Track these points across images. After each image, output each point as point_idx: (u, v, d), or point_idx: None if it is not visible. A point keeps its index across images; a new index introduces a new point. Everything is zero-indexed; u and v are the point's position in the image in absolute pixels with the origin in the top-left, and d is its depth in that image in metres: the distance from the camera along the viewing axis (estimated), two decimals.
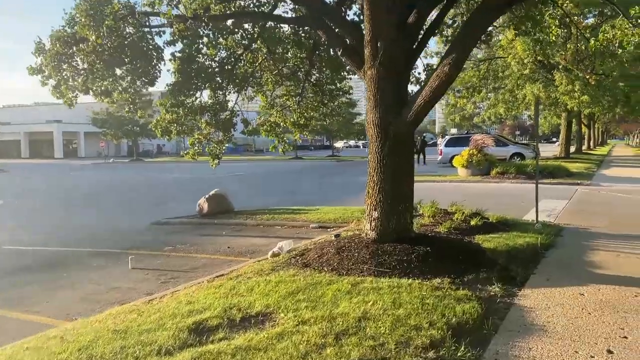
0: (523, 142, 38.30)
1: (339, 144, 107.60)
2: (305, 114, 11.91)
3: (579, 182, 17.30)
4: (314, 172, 28.94)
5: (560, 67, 22.75)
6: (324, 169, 30.60)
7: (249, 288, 5.06)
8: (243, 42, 9.46)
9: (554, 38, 9.06)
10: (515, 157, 26.32)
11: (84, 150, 67.68)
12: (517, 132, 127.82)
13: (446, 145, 27.38)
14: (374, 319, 4.09)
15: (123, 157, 61.09)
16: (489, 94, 27.13)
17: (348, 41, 6.86)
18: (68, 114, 60.28)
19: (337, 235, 7.71)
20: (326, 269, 5.73)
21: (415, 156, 32.63)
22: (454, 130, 69.00)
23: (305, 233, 9.38)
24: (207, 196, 11.71)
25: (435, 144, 57.93)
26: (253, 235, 9.49)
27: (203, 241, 9.07)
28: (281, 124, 11.90)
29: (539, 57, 23.23)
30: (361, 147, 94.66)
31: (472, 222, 8.11)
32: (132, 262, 7.16)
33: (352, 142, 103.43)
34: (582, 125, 49.78)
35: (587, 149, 51.28)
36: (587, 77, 21.01)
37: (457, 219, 8.36)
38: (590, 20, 24.00)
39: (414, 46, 6.58)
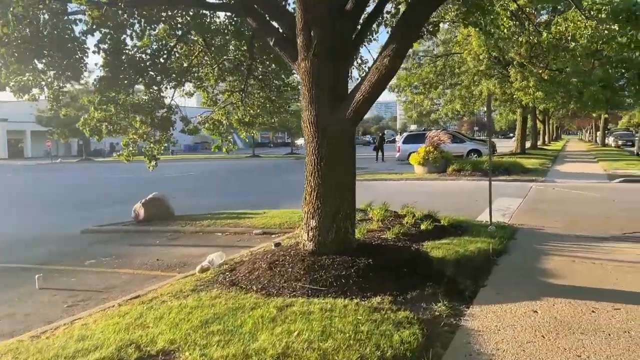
0: (480, 138, 38.57)
1: (299, 141, 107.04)
2: (251, 111, 11.18)
3: (533, 178, 17.23)
4: (269, 171, 28.20)
5: (514, 63, 22.78)
6: (280, 168, 29.89)
7: (158, 316, 4.31)
8: (175, 32, 8.62)
9: (505, 31, 8.65)
10: (473, 154, 26.33)
11: (31, 150, 64.37)
12: (476, 129, 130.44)
13: (404, 142, 27.10)
14: (295, 356, 3.44)
15: (73, 157, 58.42)
16: (446, 90, 27.05)
17: (281, 30, 6.17)
18: (15, 112, 57.27)
19: (277, 245, 7.03)
20: (255, 288, 5.04)
21: (374, 153, 32.42)
22: (413, 127, 69.43)
23: (247, 241, 8.66)
24: (143, 201, 10.79)
25: (395, 141, 58.08)
26: (189, 245, 8.69)
27: (131, 252, 8.20)
28: (224, 122, 11.13)
29: (493, 53, 23.22)
30: None
31: (423, 226, 7.59)
32: (40, 280, 6.26)
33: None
34: (537, 121, 50.84)
35: (542, 144, 52.42)
36: (541, 72, 21.09)
37: (407, 223, 7.83)
38: (544, 17, 24.18)
39: (354, 36, 5.96)
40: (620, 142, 49.83)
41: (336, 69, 5.57)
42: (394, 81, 28.05)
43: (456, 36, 25.43)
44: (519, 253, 6.76)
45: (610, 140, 53.44)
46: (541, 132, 56.78)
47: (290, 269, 5.24)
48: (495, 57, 24.19)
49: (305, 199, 5.71)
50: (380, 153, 31.62)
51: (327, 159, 5.51)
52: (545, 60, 23.04)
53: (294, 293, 4.83)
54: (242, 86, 10.33)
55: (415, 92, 27.10)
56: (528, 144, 39.86)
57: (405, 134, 27.95)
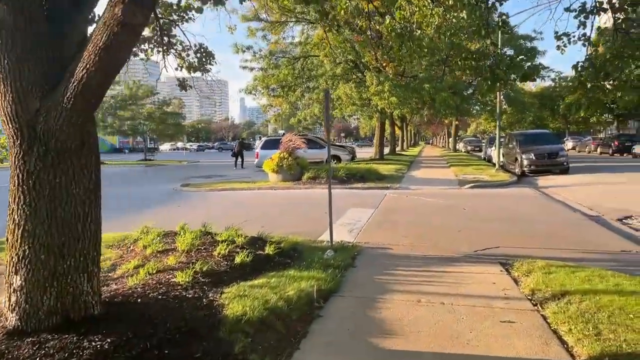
0: (339, 143, 38.42)
1: (165, 146, 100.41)
2: None
3: (388, 185, 16.51)
4: (106, 180, 24.45)
5: (370, 67, 22.36)
6: (121, 176, 26.25)
7: None
8: None
9: (342, 13, 7.25)
10: (333, 160, 25.52)
11: None
12: (342, 134, 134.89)
13: (262, 148, 25.31)
14: None
15: None
16: (305, 94, 25.95)
17: None
18: None
19: None
20: None
21: (234, 160, 30.29)
22: (281, 132, 68.51)
23: None
24: None
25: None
26: None
27: None
28: None
29: (349, 57, 22.61)
30: (192, 149, 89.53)
31: (238, 259, 5.71)
32: None
33: (179, 144, 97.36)
34: (396, 127, 52.88)
35: (400, 150, 54.68)
36: (390, 72, 20.81)
37: (219, 254, 5.90)
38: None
39: None
40: (469, 148, 53.92)
41: (56, 27, 3.43)
42: (249, 82, 26.29)
43: (312, 38, 24.51)
44: (353, 292, 5.20)
45: (460, 145, 57.68)
46: (400, 138, 59.38)
47: None
48: (352, 60, 23.65)
49: (7, 240, 3.47)
50: (239, 159, 29.55)
51: (41, 176, 3.35)
52: (400, 66, 22.99)
53: None
54: None
55: (272, 95, 25.61)
56: (387, 150, 40.83)
57: (264, 139, 26.24)
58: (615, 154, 35.91)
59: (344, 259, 6.42)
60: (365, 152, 41.08)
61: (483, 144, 48.28)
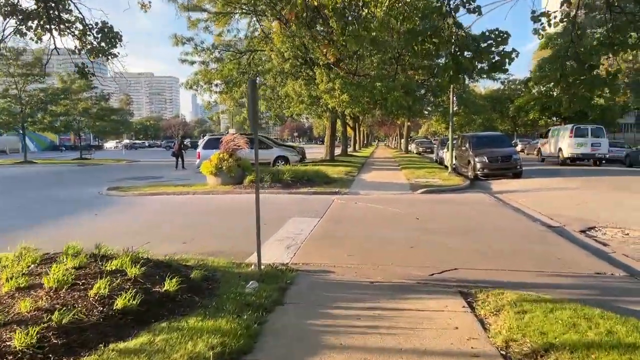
0: (288, 144, 36.91)
1: (110, 144, 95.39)
2: None
3: (337, 190, 15.26)
4: (26, 182, 21.94)
5: (321, 63, 21.08)
6: (47, 177, 23.69)
7: None
8: None
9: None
10: (280, 161, 24.09)
11: None
12: (296, 134, 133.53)
13: (205, 147, 23.47)
14: None
15: None
16: None
17: None
18: None
19: None
20: None
21: (174, 160, 28.27)
22: (232, 131, 66.15)
23: None
24: None
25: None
26: None
27: None
28: None
29: (299, 52, 21.26)
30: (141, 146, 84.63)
31: (120, 302, 4.21)
32: None
33: (125, 142, 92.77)
34: (348, 127, 51.97)
35: (353, 150, 53.82)
36: (342, 71, 19.65)
37: (96, 294, 4.38)
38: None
39: None
40: (421, 149, 53.73)
41: None
42: (190, 77, 24.47)
43: (259, 32, 22.99)
44: (273, 353, 3.82)
45: (412, 147, 57.48)
46: (352, 138, 58.56)
47: None
48: (301, 56, 22.30)
49: None
50: (180, 160, 27.58)
51: None
52: (351, 63, 21.86)
53: None
54: None
55: (216, 91, 23.91)
56: (339, 151, 39.82)
57: (206, 137, 24.40)
58: None
59: (269, 294, 5.05)
60: (317, 153, 39.79)
61: (435, 146, 48.17)
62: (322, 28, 20.40)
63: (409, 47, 6.64)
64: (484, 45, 4.92)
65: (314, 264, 6.67)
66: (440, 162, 30.48)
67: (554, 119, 47.93)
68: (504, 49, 4.86)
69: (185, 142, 31.46)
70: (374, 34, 6.85)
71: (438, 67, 26.67)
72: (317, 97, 21.19)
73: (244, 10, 22.38)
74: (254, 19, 23.36)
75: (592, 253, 7.48)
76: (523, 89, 55.26)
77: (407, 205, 12.31)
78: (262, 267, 6.08)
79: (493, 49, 4.93)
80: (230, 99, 24.50)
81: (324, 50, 18.76)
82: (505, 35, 4.80)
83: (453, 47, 4.82)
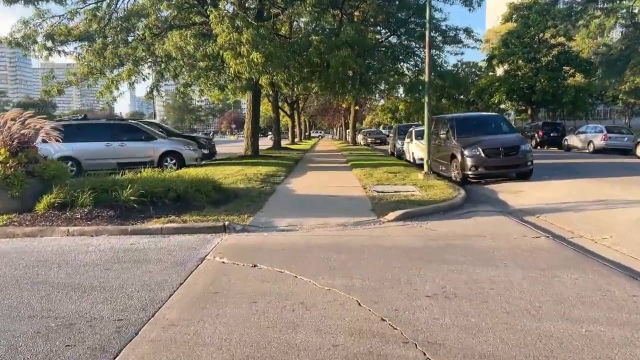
0: (187, 133, 27.97)
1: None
2: None
3: (226, 221, 7.47)
4: None
5: (220, 4, 13.21)
6: None
7: None
8: None
9: None
10: (169, 159, 16.07)
11: None
12: (234, 126, 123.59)
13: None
14: None
15: None
16: (120, 46, 15.52)
17: None
18: None
19: None
20: None
21: None
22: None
23: None
24: None
25: None
26: None
27: None
28: None
29: None
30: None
31: None
32: None
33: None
34: (283, 113, 44.22)
35: (290, 143, 46.15)
36: (251, 18, 11.96)
37: None
38: None
39: None
40: (369, 140, 46.89)
41: None
42: (17, 27, 15.92)
43: None
44: None
45: (359, 138, 50.59)
46: (290, 128, 50.84)
47: None
48: None
49: None
50: None
51: None
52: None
53: None
54: None
55: (65, 52, 15.65)
56: (272, 143, 32.20)
57: None
58: (538, 147, 30.08)
59: None
60: (239, 146, 31.81)
61: (388, 136, 41.44)
62: None
63: None
64: None
65: None
66: (399, 156, 23.40)
67: (520, 103, 42.42)
68: None
69: None
70: None
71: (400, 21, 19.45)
72: (216, 56, 13.33)
73: None
74: None
75: None
76: (480, 72, 49.64)
77: (375, 269, 4.82)
78: None
79: None
80: (85, 65, 16.06)
81: None
82: None
83: None
